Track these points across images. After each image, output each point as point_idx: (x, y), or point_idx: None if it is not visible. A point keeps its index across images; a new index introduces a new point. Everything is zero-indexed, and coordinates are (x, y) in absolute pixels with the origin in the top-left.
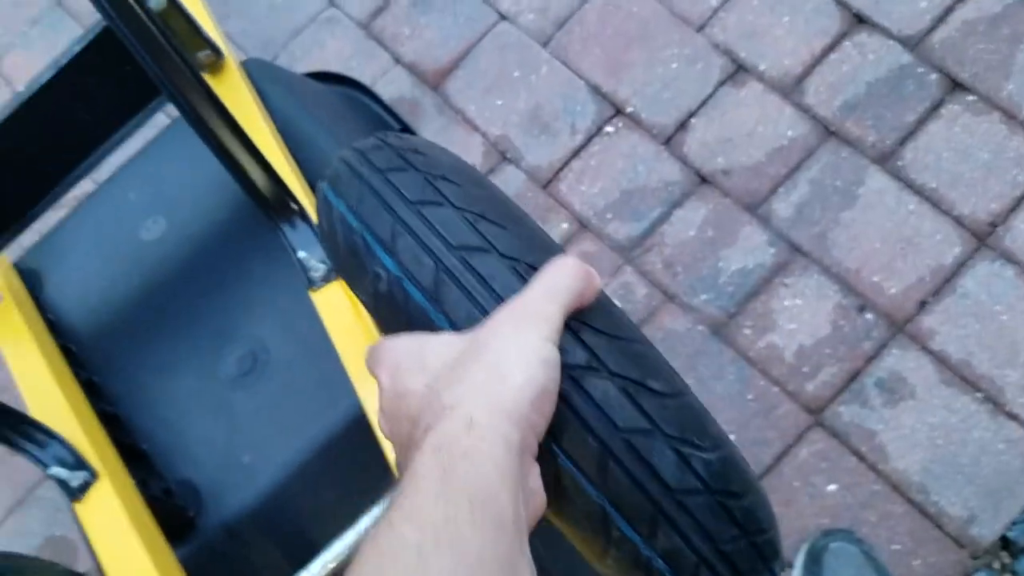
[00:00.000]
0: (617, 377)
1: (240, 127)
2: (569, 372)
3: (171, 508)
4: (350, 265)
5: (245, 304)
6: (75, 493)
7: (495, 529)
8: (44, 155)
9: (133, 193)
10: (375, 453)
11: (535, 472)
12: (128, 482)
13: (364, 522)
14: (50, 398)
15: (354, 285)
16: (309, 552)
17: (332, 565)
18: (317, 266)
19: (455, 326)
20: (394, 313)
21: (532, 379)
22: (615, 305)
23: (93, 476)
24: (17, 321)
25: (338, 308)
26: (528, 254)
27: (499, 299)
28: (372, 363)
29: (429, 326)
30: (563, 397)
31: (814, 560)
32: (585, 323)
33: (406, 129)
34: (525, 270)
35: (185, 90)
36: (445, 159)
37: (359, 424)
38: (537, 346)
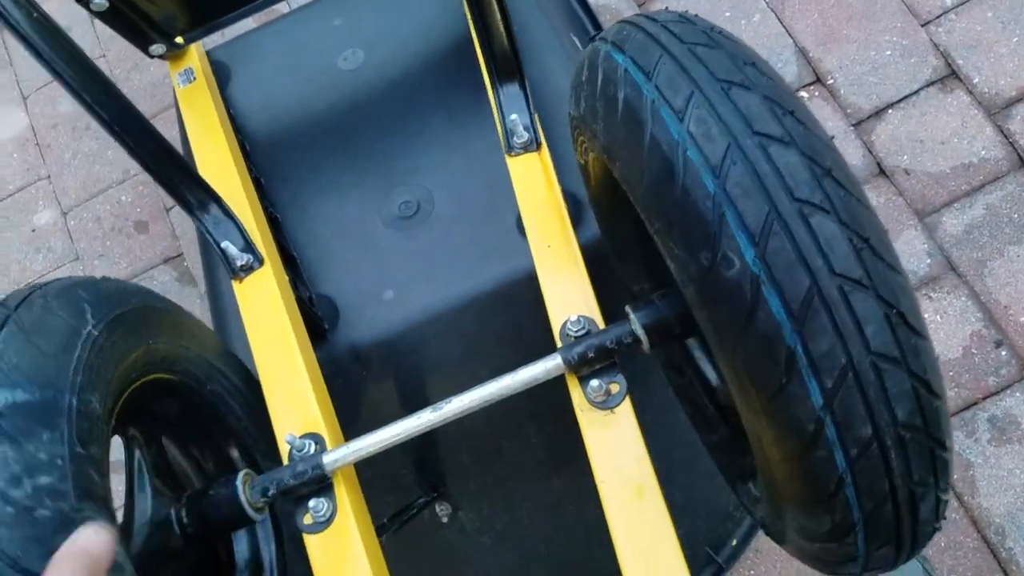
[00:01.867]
0: (912, 375)
1: None
2: (873, 358)
3: (309, 316)
4: (634, 151)
5: (423, 154)
6: (238, 273)
7: None
8: None
9: (339, 20)
10: (509, 325)
11: None
12: (285, 278)
13: (496, 383)
14: (226, 180)
15: (612, 138)
16: (422, 397)
17: (458, 412)
18: (522, 133)
19: (767, 266)
20: (662, 180)
21: None
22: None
23: (259, 262)
24: (205, 101)
25: (532, 176)
26: (862, 225)
27: (785, 185)
28: None
29: (701, 192)
30: (858, 378)
31: None
32: (902, 316)
33: None
34: (822, 174)
35: None
36: (750, 50)
37: (504, 293)
38: None
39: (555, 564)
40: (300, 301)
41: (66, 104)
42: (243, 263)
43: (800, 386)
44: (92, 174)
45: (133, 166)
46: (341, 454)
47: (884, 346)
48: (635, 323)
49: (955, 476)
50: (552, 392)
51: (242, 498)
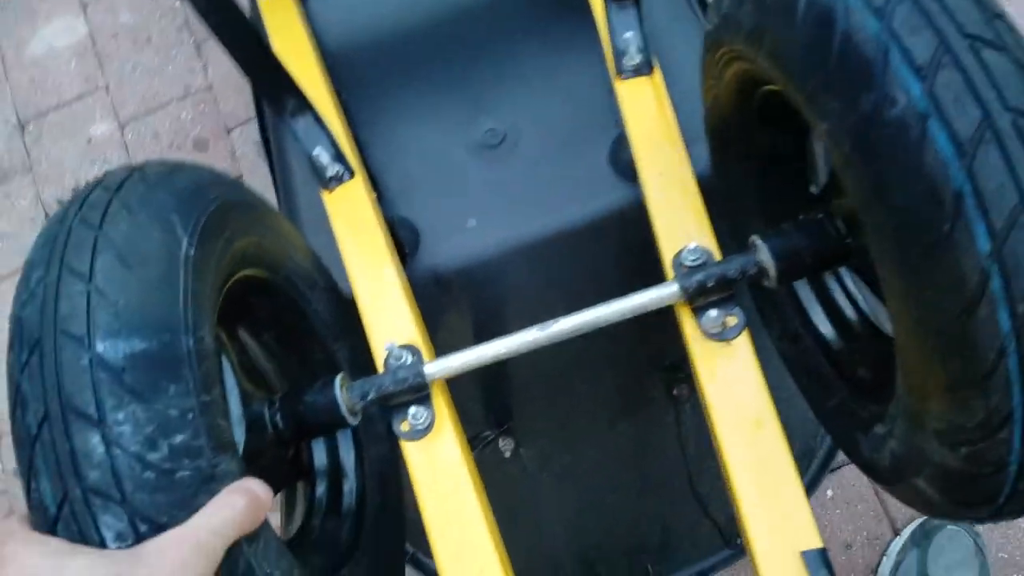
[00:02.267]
0: None
1: None
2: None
3: (391, 238)
4: (782, 16)
5: (513, 82)
6: (328, 183)
7: None
8: None
9: None
10: (591, 264)
11: None
12: (372, 192)
13: (606, 307)
14: (313, 90)
15: (761, 11)
16: (498, 327)
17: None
18: (634, 55)
19: (935, 101)
20: (820, 31)
21: None
22: None
23: (349, 173)
24: (288, 11)
25: (644, 101)
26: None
27: (955, 21)
28: None
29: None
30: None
31: (926, 534)
32: None
33: None
34: (993, 15)
35: None
36: None
37: (590, 230)
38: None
39: (611, 511)
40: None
41: (127, 14)
42: (333, 173)
43: (965, 231)
44: (152, 88)
45: (194, 82)
46: (443, 365)
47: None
48: (763, 252)
49: None
50: (632, 339)
51: (341, 401)
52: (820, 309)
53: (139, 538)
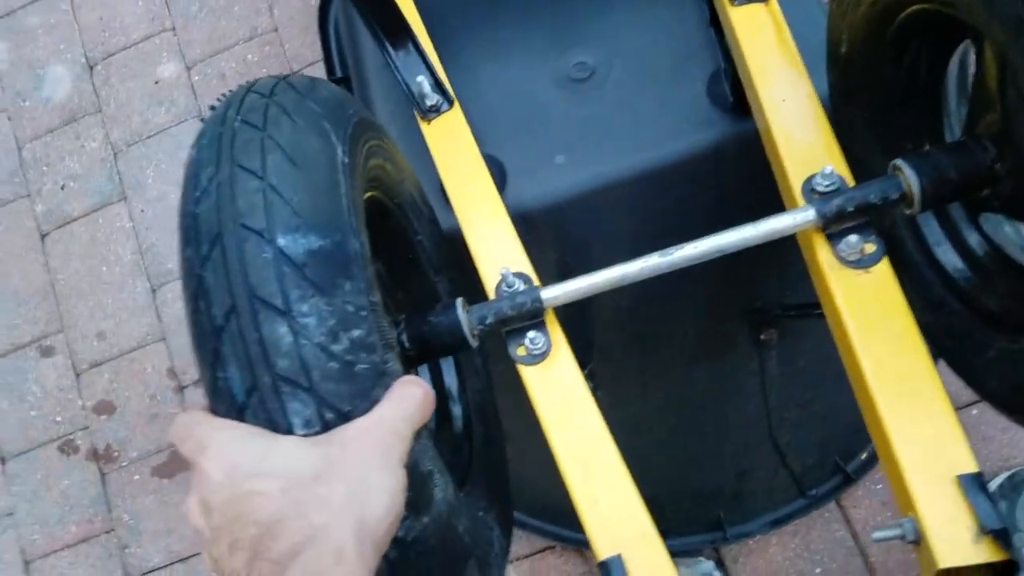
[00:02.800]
0: None
1: None
2: None
3: None
4: None
5: (603, 14)
6: (427, 113)
7: None
8: None
9: None
10: (685, 201)
11: None
12: (468, 127)
13: (737, 232)
14: (411, 19)
15: None
16: (584, 266)
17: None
18: None
19: None
20: None
21: (393, 507)
22: None
23: (448, 103)
24: None
25: (762, 27)
26: None
27: None
28: (195, 449)
29: None
30: None
31: (1014, 487)
32: None
33: None
34: None
35: None
36: None
37: (685, 166)
38: (397, 470)
39: (685, 457)
40: None
41: None
42: (433, 103)
43: None
44: (218, 29)
45: (260, 23)
46: (560, 291)
47: None
48: (908, 174)
49: None
50: (720, 281)
51: (464, 324)
52: (947, 242)
53: (325, 426)
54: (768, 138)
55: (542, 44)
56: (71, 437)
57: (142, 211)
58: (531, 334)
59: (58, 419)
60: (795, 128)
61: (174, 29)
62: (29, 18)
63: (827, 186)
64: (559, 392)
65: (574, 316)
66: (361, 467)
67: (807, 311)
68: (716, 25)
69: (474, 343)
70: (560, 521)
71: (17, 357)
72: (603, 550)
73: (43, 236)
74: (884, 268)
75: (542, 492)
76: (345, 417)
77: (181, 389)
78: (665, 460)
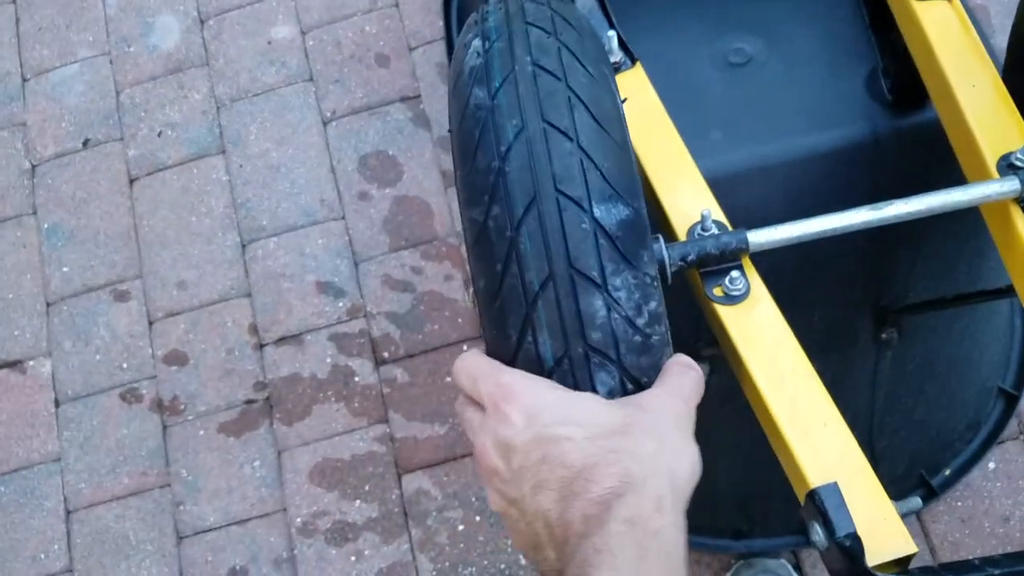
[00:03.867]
0: None
1: None
2: None
3: None
4: None
5: (766, 6)
6: (614, 69)
7: None
8: None
9: None
10: (837, 190)
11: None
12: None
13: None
14: None
15: None
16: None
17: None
18: None
19: None
20: None
21: (694, 473)
22: None
23: (631, 61)
24: None
25: (948, 20)
26: None
27: None
28: (496, 392)
29: None
30: None
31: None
32: None
33: None
34: None
35: None
36: None
37: (840, 154)
38: (692, 439)
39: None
40: None
41: None
42: (618, 58)
43: None
44: None
45: None
46: (767, 236)
47: None
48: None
49: None
50: (852, 275)
51: (666, 259)
52: None
53: (624, 396)
54: (956, 120)
55: (703, 27)
56: (135, 386)
57: (240, 166)
58: (733, 274)
59: (124, 366)
60: (987, 109)
61: None
62: None
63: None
64: (762, 331)
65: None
66: (663, 430)
67: (935, 306)
68: (877, 25)
69: (670, 281)
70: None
71: (89, 299)
72: (816, 478)
73: (132, 180)
74: None
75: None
76: (640, 388)
77: (261, 347)
78: (761, 454)
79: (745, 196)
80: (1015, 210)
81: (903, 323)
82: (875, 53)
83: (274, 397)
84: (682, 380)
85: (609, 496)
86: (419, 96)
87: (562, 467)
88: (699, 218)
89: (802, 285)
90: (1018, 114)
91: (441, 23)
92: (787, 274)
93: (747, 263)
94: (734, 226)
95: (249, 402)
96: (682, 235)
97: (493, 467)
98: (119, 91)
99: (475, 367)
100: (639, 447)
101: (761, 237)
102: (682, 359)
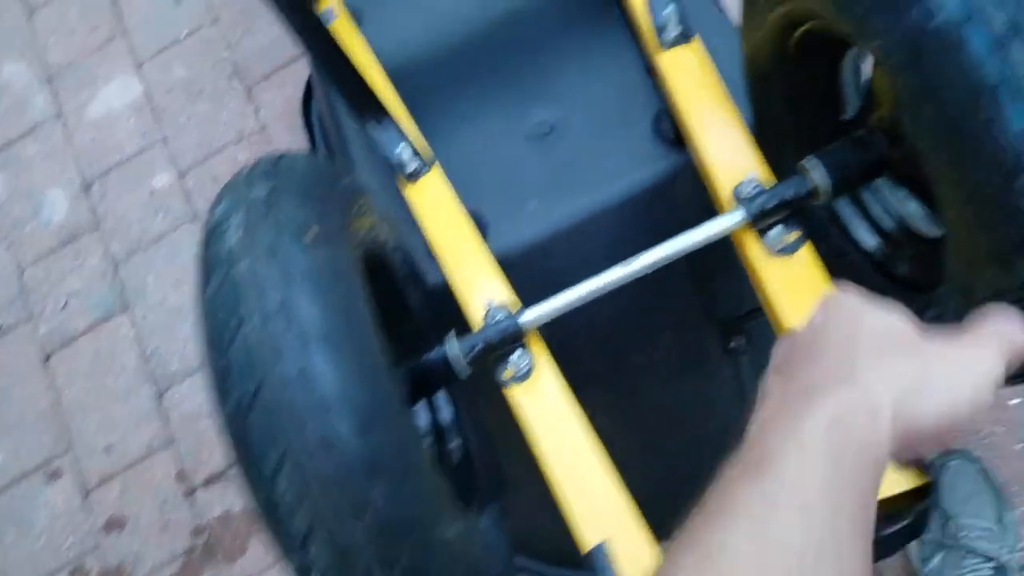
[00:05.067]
0: None
1: None
2: None
3: None
4: None
5: (556, 71)
6: (411, 177)
7: (865, 544)
8: None
9: None
10: (649, 227)
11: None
12: (447, 179)
13: (675, 241)
14: (387, 98)
15: None
16: None
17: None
18: (674, 27)
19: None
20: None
21: (949, 414)
22: None
23: (427, 166)
24: (351, 33)
25: (688, 66)
26: None
27: None
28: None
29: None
30: None
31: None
32: None
33: None
34: None
35: None
36: None
37: (643, 196)
38: (974, 386)
39: (677, 477)
40: None
41: (180, 69)
42: (414, 168)
43: (1002, 114)
44: (207, 135)
45: (247, 126)
46: (537, 313)
47: None
48: (817, 170)
49: None
50: (686, 293)
51: (455, 354)
52: (862, 224)
53: None
54: (701, 159)
55: (508, 106)
56: (82, 562)
57: (144, 317)
58: (515, 355)
59: (68, 543)
60: (723, 144)
61: (165, 140)
62: (26, 149)
63: (752, 190)
64: (546, 407)
65: (547, 338)
66: (947, 370)
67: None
68: (650, 69)
69: (464, 373)
70: (563, 563)
71: (24, 486)
72: (590, 538)
73: (47, 357)
74: (808, 250)
75: (541, 534)
76: None
77: (191, 492)
78: (648, 475)
79: (568, 256)
80: (748, 235)
81: (748, 330)
82: (657, 97)
83: (212, 539)
84: (1004, 333)
85: (826, 381)
86: None
87: (832, 348)
88: (493, 305)
89: (646, 313)
90: (752, 146)
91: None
92: (629, 308)
93: (534, 340)
94: (558, 286)
95: (189, 551)
96: (477, 326)
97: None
98: (22, 272)
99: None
100: (896, 367)
101: (534, 314)
102: (1005, 312)
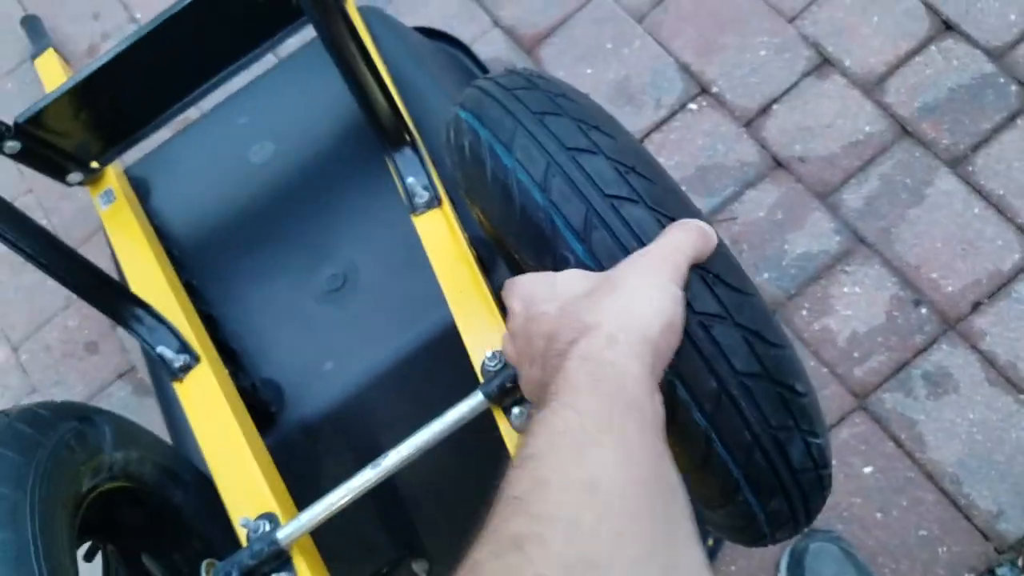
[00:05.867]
0: (741, 327)
1: (371, 57)
2: (699, 318)
3: (255, 402)
4: (484, 188)
5: (341, 228)
6: (177, 373)
7: (642, 426)
8: (172, 73)
9: (244, 118)
10: (448, 371)
11: (659, 395)
12: (224, 371)
13: (428, 429)
14: (157, 289)
15: (485, 203)
16: (377, 453)
17: (397, 463)
18: (422, 193)
19: (595, 258)
20: (530, 238)
21: (662, 311)
22: (737, 262)
23: (195, 360)
24: (128, 218)
25: (439, 233)
26: (670, 208)
27: (641, 242)
28: (507, 294)
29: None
30: (689, 337)
31: (797, 562)
32: (718, 277)
33: None
34: (666, 221)
35: (328, 17)
36: (595, 109)
37: (437, 343)
38: (665, 286)
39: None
40: (244, 391)
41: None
42: (180, 364)
43: (685, 408)
44: (36, 305)
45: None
46: (294, 527)
47: (708, 307)
48: None
49: (903, 435)
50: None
51: None
52: None
53: None
54: (457, 323)
55: (298, 266)
56: None
57: None
58: None
59: None
60: (470, 315)
61: None
62: None
63: (494, 366)
64: None
65: (385, 500)
66: (628, 280)
67: None
68: None
69: None
70: None
71: None
72: None
73: None
74: None
75: None
76: None
77: None
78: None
79: (371, 413)
80: (497, 412)
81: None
82: None
83: None
84: (669, 236)
85: (565, 346)
86: (134, 368)
87: (540, 338)
88: (250, 523)
89: (467, 449)
90: (498, 316)
91: None
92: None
93: (298, 554)
94: (370, 447)
95: None
96: (244, 543)
97: (508, 356)
98: None
99: (506, 284)
100: (598, 303)
101: (291, 529)
102: (688, 221)
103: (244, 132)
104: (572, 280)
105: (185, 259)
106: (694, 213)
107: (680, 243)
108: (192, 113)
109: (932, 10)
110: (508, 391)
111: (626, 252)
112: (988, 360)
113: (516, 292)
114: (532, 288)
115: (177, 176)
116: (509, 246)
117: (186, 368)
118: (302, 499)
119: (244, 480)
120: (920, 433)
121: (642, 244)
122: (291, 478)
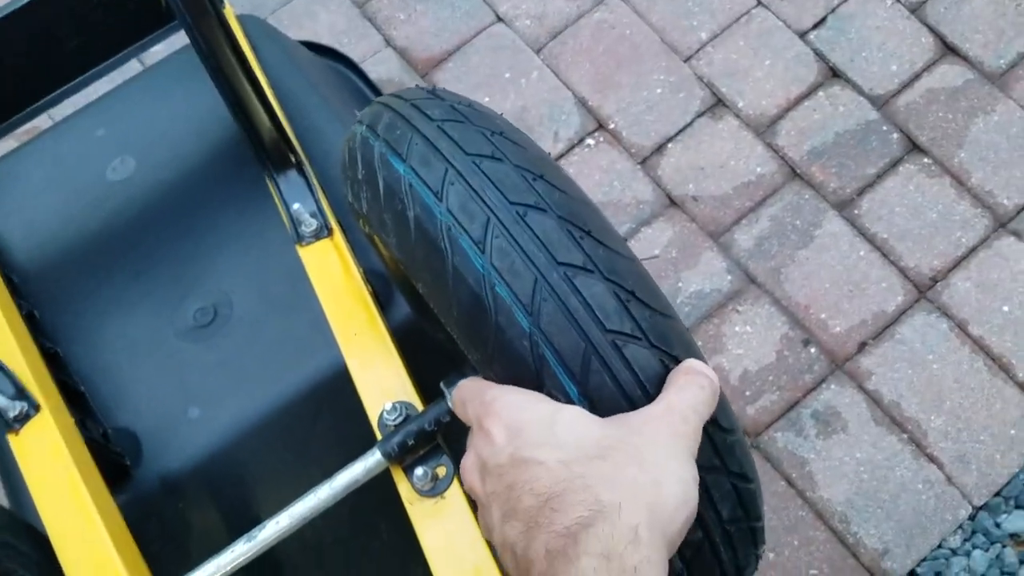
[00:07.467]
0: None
1: (252, 68)
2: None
3: (106, 454)
4: (383, 207)
5: (212, 255)
6: (12, 424)
7: None
8: (18, 75)
9: (102, 130)
10: (334, 421)
11: None
12: (69, 420)
13: (313, 495)
14: None
15: (382, 225)
16: (252, 517)
17: (276, 535)
18: (310, 221)
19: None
20: (428, 259)
21: (688, 501)
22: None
23: (34, 408)
24: None
25: (327, 265)
26: (578, 219)
27: (550, 255)
28: (481, 411)
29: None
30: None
31: None
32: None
33: None
34: (580, 234)
35: (202, 22)
36: (499, 119)
37: (322, 388)
38: (689, 461)
39: None
40: (93, 441)
41: None
42: (16, 413)
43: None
44: None
45: None
46: None
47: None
48: (449, 394)
49: (794, 474)
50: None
51: None
52: None
53: None
54: (350, 371)
55: (160, 298)
56: None
57: None
58: None
59: None
60: (366, 361)
61: None
62: None
63: (394, 420)
64: None
65: (267, 570)
66: (653, 452)
67: None
68: None
69: None
70: None
71: None
72: None
73: None
74: (455, 490)
75: None
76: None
77: None
78: None
79: (246, 464)
80: (396, 472)
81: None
82: None
83: None
84: (686, 393)
85: (576, 527)
86: None
87: (529, 495)
88: None
89: (358, 506)
90: (398, 362)
91: None
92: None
93: None
94: (244, 504)
95: None
96: None
97: (471, 487)
98: None
99: (466, 390)
100: (617, 473)
101: None
102: (693, 365)
103: (102, 145)
104: (578, 426)
105: (26, 287)
106: (651, 290)
107: (698, 404)
108: (41, 122)
109: (820, 56)
110: (411, 448)
111: (579, 329)
112: (874, 400)
113: (499, 414)
114: (522, 418)
115: (20, 193)
116: (413, 280)
117: (23, 418)
118: (165, 567)
119: (90, 549)
120: (810, 472)
121: (597, 318)
122: (150, 542)
